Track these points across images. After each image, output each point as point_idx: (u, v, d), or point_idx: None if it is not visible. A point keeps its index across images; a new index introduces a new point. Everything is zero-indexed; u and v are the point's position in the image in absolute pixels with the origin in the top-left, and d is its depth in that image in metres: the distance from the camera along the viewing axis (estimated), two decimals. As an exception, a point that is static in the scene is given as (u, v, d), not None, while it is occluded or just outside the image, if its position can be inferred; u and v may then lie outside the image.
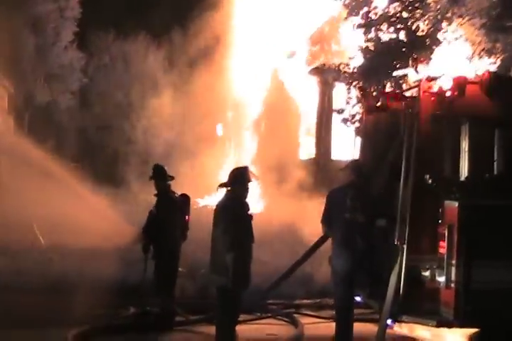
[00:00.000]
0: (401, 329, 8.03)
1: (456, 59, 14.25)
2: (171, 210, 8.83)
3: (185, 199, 9.20)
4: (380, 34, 16.43)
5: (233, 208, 6.58)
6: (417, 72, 14.12)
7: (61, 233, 12.59)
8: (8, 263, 10.63)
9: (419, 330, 8.10)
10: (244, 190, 6.71)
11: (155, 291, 8.93)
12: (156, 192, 9.06)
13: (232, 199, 6.65)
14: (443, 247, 7.16)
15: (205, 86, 23.24)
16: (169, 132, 25.55)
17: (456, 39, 15.11)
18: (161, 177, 9.02)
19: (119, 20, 28.58)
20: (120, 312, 9.14)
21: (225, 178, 6.78)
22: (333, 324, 7.88)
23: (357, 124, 15.15)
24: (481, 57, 14.48)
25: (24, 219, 13.07)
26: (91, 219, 13.78)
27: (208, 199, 19.76)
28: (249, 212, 6.66)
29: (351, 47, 17.29)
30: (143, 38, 29.36)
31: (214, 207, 6.86)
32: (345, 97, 16.85)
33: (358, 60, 16.78)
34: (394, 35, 16.23)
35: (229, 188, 6.68)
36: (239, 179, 6.70)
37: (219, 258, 6.48)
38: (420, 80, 7.85)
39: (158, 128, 26.01)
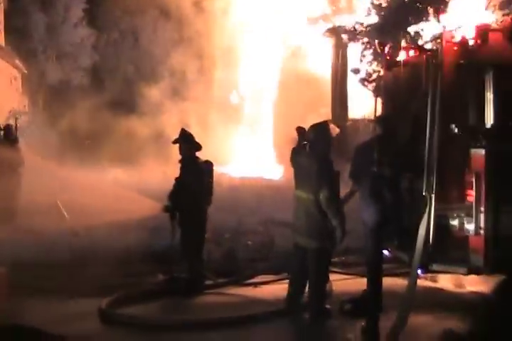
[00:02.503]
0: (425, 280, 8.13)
1: (471, 11, 14.05)
2: (196, 175, 8.67)
3: (208, 165, 9.08)
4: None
5: (322, 168, 6.23)
6: (439, 22, 13.89)
7: (83, 209, 12.67)
8: (34, 238, 10.71)
9: (443, 281, 8.20)
10: (328, 147, 6.35)
11: (183, 257, 8.93)
12: (180, 157, 8.81)
13: (318, 158, 6.27)
14: (471, 195, 7.17)
15: (217, 54, 23.11)
16: (183, 103, 25.47)
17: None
18: (186, 141, 8.75)
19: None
20: (150, 279, 9.18)
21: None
22: (361, 280, 7.92)
23: (374, 83, 15.01)
24: (494, 11, 14.27)
25: (46, 197, 13.13)
26: (110, 194, 13.87)
27: (224, 168, 19.77)
28: (336, 169, 6.39)
29: (364, 6, 17.06)
30: (151, 12, 29.18)
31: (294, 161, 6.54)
32: (359, 56, 16.68)
33: (371, 19, 16.57)
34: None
35: (309, 146, 6.29)
36: (321, 135, 6.30)
37: (311, 221, 6.36)
38: (442, 31, 7.77)
39: (171, 99, 25.93)
